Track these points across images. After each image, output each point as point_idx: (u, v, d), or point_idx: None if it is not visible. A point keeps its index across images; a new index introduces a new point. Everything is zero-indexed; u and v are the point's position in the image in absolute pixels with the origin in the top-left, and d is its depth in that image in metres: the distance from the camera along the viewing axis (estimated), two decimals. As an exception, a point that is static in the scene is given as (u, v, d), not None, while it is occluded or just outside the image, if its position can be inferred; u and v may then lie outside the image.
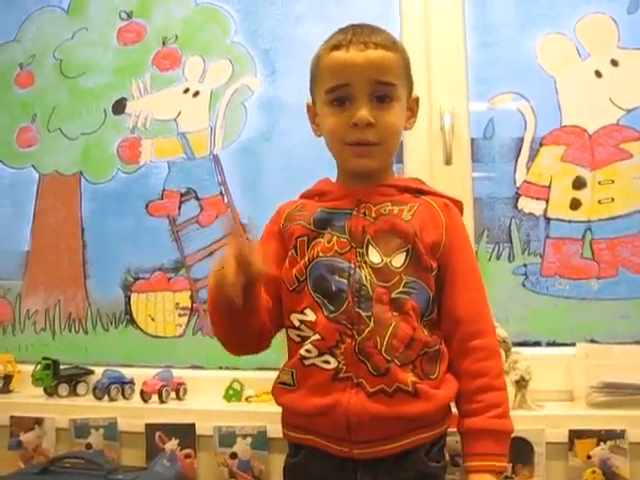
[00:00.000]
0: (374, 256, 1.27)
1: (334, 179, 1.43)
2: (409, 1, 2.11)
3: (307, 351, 1.26)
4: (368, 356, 1.22)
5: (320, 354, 1.25)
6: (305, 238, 1.32)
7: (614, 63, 2.02)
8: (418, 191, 1.37)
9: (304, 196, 1.43)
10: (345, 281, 1.26)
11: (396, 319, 1.24)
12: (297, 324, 1.29)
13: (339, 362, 1.23)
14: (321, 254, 1.29)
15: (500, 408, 1.27)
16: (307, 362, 1.26)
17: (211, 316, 1.30)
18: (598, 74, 2.03)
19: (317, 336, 1.25)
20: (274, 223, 1.40)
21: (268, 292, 1.32)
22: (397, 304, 1.25)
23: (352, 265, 1.27)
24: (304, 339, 1.28)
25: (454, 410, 1.32)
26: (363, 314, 1.24)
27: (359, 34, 1.31)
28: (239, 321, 1.27)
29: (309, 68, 1.40)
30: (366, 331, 1.23)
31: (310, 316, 1.27)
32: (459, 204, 1.40)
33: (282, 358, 1.37)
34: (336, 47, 1.32)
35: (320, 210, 1.34)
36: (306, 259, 1.30)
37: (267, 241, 1.39)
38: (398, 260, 1.27)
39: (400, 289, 1.26)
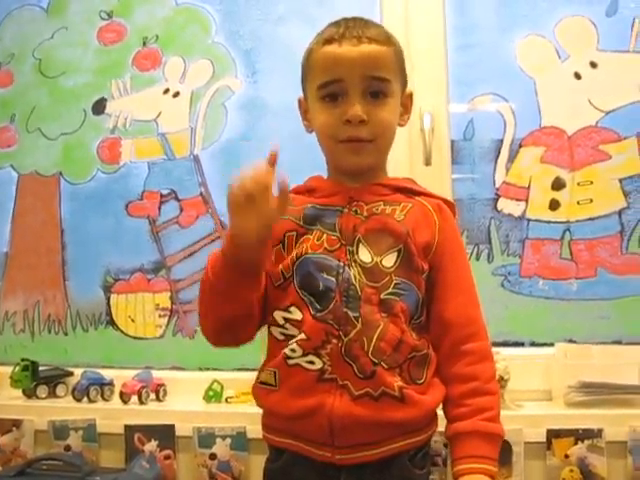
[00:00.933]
0: (364, 255, 1.24)
1: (325, 176, 1.40)
2: (390, 2, 2.11)
3: (292, 350, 1.22)
4: (354, 358, 1.19)
5: (305, 354, 1.21)
6: (294, 233, 1.28)
7: (593, 65, 2.04)
8: (411, 191, 1.34)
9: (294, 191, 1.37)
10: (333, 279, 1.22)
11: (384, 321, 1.21)
12: (281, 322, 1.26)
13: (324, 363, 1.20)
14: (310, 251, 1.25)
15: (491, 412, 1.22)
16: (291, 362, 1.22)
17: (211, 285, 1.22)
18: (577, 76, 2.05)
19: (302, 335, 1.22)
20: None
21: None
22: (386, 305, 1.22)
23: (341, 263, 1.23)
24: (288, 338, 1.24)
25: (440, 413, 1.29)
26: (351, 314, 1.20)
27: (352, 27, 1.28)
28: (242, 290, 1.21)
29: (301, 62, 1.36)
30: (353, 332, 1.19)
31: (296, 314, 1.24)
32: (452, 205, 1.37)
33: (262, 358, 1.35)
34: (328, 41, 1.28)
35: (310, 206, 1.31)
36: (293, 255, 1.26)
37: None
38: (389, 260, 1.24)
39: (390, 290, 1.22)
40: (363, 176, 1.33)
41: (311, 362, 1.21)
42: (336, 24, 1.31)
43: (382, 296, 1.22)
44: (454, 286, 1.30)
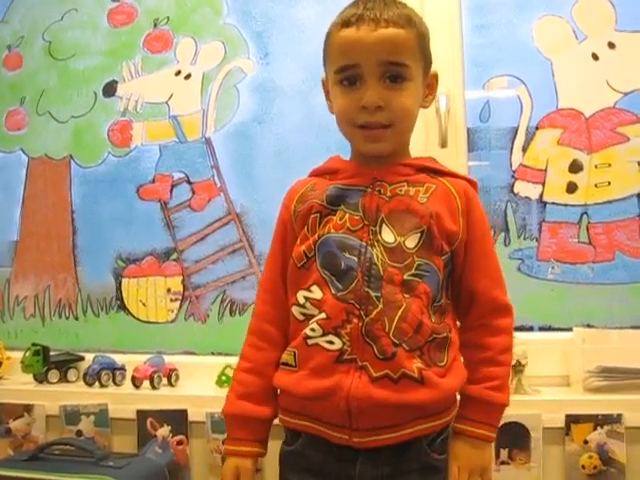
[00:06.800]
0: (388, 235, 1.23)
1: (344, 157, 1.38)
2: (404, -18, 2.08)
3: (312, 330, 1.22)
4: (375, 338, 1.18)
5: (325, 334, 1.20)
6: (317, 215, 1.28)
7: (611, 46, 2.01)
8: (434, 171, 1.32)
9: (315, 174, 1.38)
10: (355, 259, 1.22)
11: (407, 301, 1.20)
12: (302, 301, 1.25)
13: (344, 343, 1.19)
14: (332, 231, 1.25)
15: (496, 381, 1.26)
16: (310, 342, 1.22)
17: None
18: (595, 57, 2.02)
19: (323, 315, 1.21)
20: (285, 208, 1.35)
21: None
22: (409, 286, 1.21)
23: (364, 243, 1.23)
24: (308, 317, 1.24)
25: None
26: (372, 294, 1.19)
27: (370, 9, 1.24)
28: None
29: (323, 44, 1.34)
30: (374, 312, 1.19)
31: (316, 293, 1.23)
32: (475, 184, 1.35)
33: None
34: (346, 24, 1.25)
35: (333, 187, 1.30)
36: (316, 235, 1.26)
37: (281, 231, 1.36)
38: (412, 241, 1.22)
39: (412, 271, 1.21)
40: (385, 158, 1.31)
41: (330, 342, 1.20)
42: (355, 4, 1.28)
43: (405, 277, 1.21)
44: (480, 270, 1.30)
